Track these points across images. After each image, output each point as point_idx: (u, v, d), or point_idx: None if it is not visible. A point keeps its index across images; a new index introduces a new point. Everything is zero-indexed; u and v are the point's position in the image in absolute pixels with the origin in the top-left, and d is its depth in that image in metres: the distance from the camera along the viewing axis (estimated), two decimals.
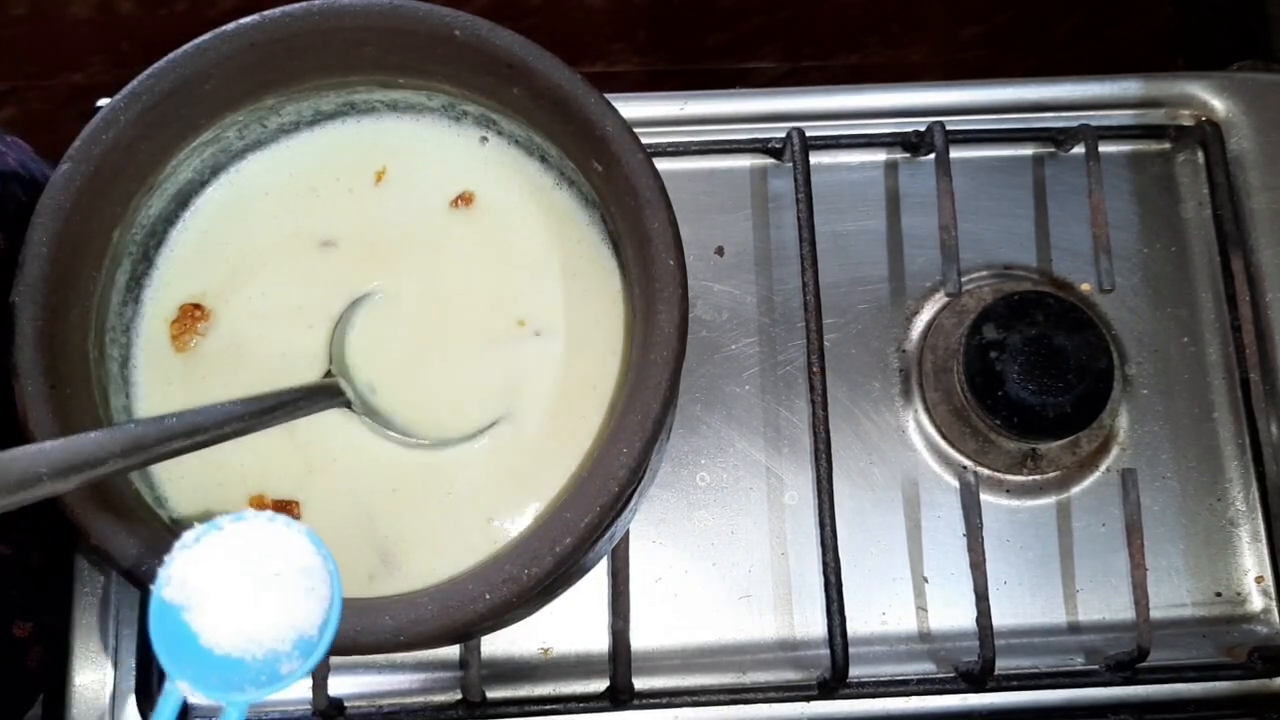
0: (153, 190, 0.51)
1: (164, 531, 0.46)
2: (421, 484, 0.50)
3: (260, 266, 0.53)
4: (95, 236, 0.48)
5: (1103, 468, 0.62)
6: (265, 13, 0.49)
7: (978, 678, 0.56)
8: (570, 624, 0.58)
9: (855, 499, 0.60)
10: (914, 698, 0.57)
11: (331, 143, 0.55)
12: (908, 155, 0.65)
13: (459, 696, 0.56)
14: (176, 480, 0.50)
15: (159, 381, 0.52)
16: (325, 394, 0.49)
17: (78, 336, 0.48)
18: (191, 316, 0.52)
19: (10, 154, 0.56)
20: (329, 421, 0.50)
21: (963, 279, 0.61)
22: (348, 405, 0.50)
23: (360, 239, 0.53)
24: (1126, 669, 0.57)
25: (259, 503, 0.50)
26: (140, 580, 0.43)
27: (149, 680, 0.55)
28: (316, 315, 0.52)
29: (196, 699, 0.35)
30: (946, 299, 0.63)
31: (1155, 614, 0.58)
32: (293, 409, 0.46)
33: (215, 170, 0.54)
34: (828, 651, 0.56)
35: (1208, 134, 0.65)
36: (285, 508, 0.50)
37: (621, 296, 0.52)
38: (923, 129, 0.64)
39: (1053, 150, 0.66)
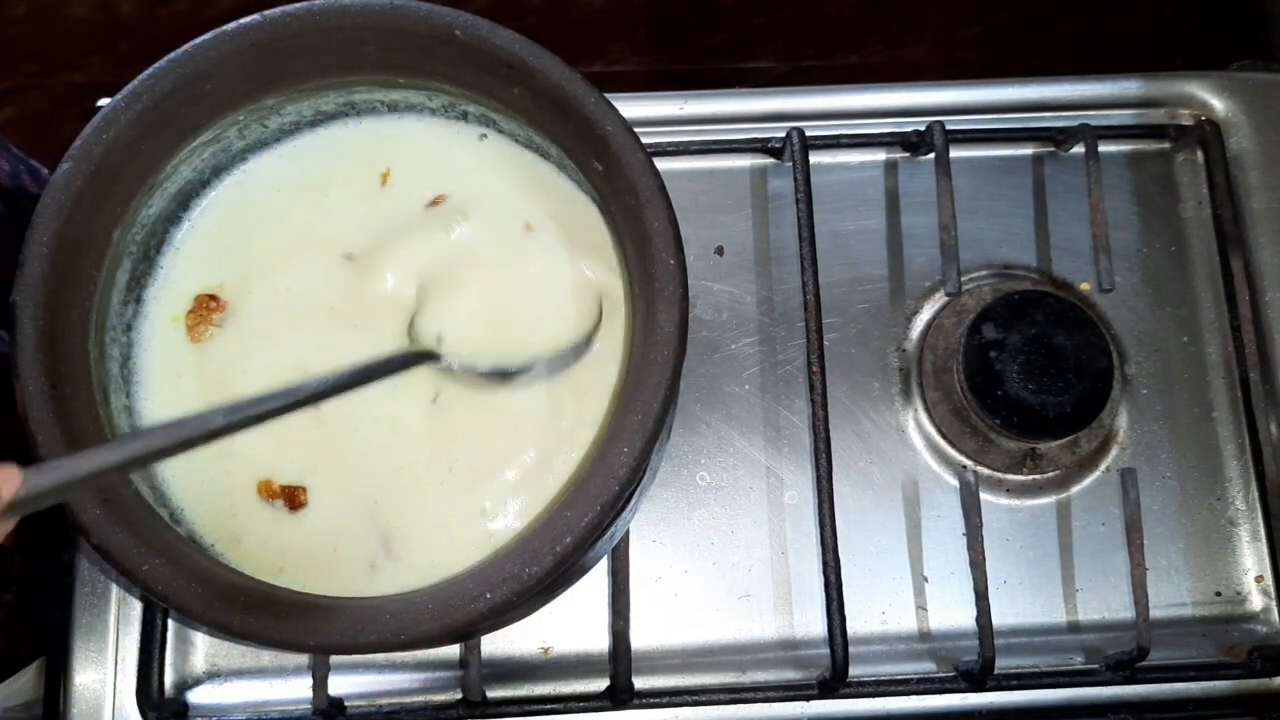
0: (153, 190, 0.51)
1: (164, 530, 0.47)
2: (424, 466, 0.50)
3: (281, 262, 0.53)
4: (96, 236, 0.48)
5: (1102, 467, 0.62)
6: (266, 13, 0.49)
7: (977, 677, 0.56)
8: (570, 624, 0.58)
9: (855, 499, 0.60)
10: (914, 697, 0.57)
11: (339, 142, 0.55)
12: (907, 155, 0.65)
13: (459, 696, 0.56)
14: (180, 474, 0.50)
15: (169, 376, 0.52)
16: (417, 359, 0.50)
17: (78, 336, 0.48)
18: (207, 308, 0.52)
19: None
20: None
21: (962, 279, 0.61)
22: (437, 359, 0.50)
23: (370, 242, 0.53)
24: (1126, 668, 0.57)
25: (267, 488, 0.50)
26: (141, 580, 0.43)
27: (149, 680, 0.55)
28: (348, 318, 0.52)
29: None
30: (946, 299, 0.63)
31: (1155, 613, 0.58)
32: (385, 370, 0.46)
33: (216, 170, 0.54)
34: (828, 651, 0.56)
35: (1207, 134, 0.65)
36: (292, 494, 0.50)
37: (622, 295, 0.52)
38: (922, 129, 0.64)
39: (1052, 150, 0.66)
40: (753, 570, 0.59)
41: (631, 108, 0.55)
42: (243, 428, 0.39)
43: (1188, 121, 0.66)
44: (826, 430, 0.58)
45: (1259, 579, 0.60)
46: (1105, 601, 0.59)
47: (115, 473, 0.35)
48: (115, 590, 0.57)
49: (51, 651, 0.58)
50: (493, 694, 0.57)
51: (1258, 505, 0.61)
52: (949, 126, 0.63)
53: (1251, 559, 0.61)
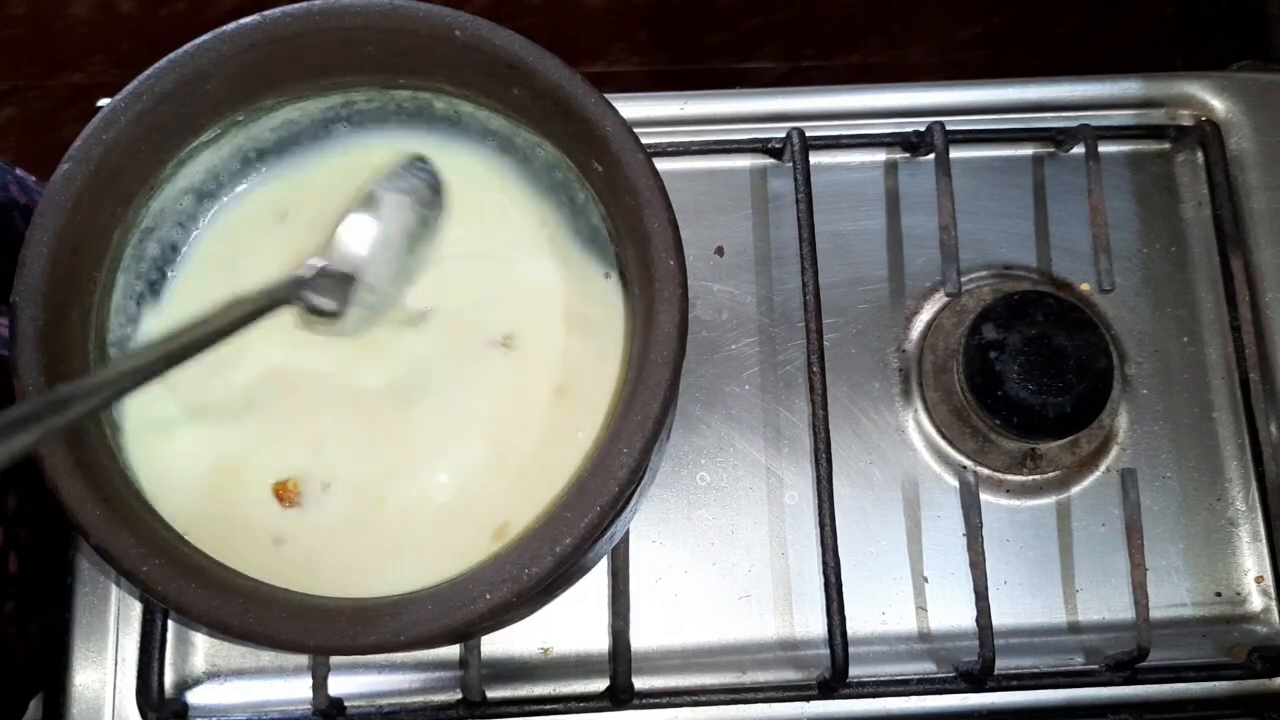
0: (153, 190, 0.51)
1: (164, 529, 0.47)
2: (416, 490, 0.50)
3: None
4: (96, 236, 0.48)
5: (1102, 468, 0.62)
6: (265, 13, 0.49)
7: (978, 677, 0.56)
8: (570, 624, 0.58)
9: (855, 499, 0.60)
10: (914, 697, 0.57)
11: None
12: (908, 155, 0.65)
13: (459, 696, 0.56)
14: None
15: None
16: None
17: (78, 336, 0.48)
18: None
19: None
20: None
21: (962, 279, 0.61)
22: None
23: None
24: (1126, 669, 0.57)
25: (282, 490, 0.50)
26: (141, 580, 0.43)
27: (149, 680, 0.55)
28: None
29: None
30: (946, 299, 0.63)
31: (1155, 614, 0.58)
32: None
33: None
34: (828, 651, 0.56)
35: (1207, 134, 0.65)
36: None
37: (621, 296, 0.52)
38: (923, 129, 0.64)
39: (1052, 150, 0.66)
40: (753, 570, 0.59)
41: (631, 108, 0.55)
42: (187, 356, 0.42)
43: (1188, 122, 0.66)
44: (826, 430, 0.58)
45: (1259, 579, 0.60)
46: (1105, 602, 0.59)
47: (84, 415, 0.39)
48: (115, 590, 0.57)
49: (50, 664, 0.57)
50: (492, 694, 0.57)
51: (1258, 505, 0.61)
52: (949, 127, 0.63)
53: (1251, 559, 0.61)
